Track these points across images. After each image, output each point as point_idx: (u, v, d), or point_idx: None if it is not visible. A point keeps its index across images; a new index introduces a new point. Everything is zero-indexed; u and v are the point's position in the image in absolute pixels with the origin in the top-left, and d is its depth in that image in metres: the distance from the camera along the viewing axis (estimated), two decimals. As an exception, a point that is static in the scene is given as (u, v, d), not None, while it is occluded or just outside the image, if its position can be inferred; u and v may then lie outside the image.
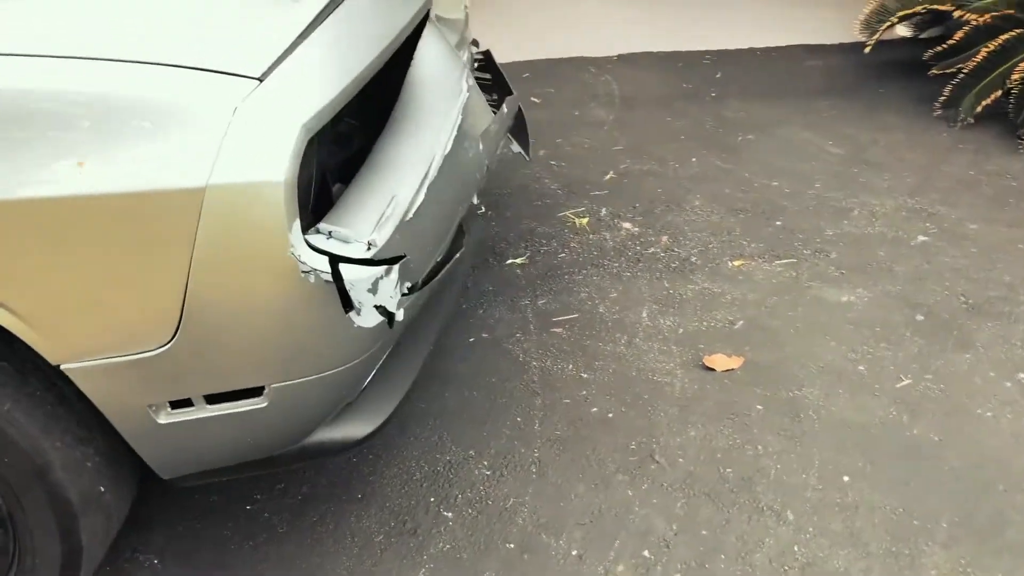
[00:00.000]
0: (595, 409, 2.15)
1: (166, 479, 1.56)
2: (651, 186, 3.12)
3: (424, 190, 1.57)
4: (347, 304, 1.35)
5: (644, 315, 2.47)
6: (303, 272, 1.30)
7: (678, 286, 2.59)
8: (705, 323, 2.44)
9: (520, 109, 2.47)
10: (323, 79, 1.37)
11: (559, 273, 2.65)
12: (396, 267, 1.40)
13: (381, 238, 1.40)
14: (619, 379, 2.24)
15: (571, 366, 2.29)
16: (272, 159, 1.24)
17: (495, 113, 2.14)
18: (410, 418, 2.11)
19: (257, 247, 1.27)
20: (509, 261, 2.72)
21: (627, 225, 2.88)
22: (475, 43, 2.41)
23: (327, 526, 1.85)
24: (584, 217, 2.93)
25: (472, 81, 2.01)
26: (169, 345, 1.33)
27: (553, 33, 4.54)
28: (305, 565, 1.76)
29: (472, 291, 2.57)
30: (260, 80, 1.29)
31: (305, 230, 1.36)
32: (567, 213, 2.95)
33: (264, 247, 1.27)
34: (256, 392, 1.43)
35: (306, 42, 1.41)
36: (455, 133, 1.73)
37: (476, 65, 2.40)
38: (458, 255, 1.75)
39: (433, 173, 1.61)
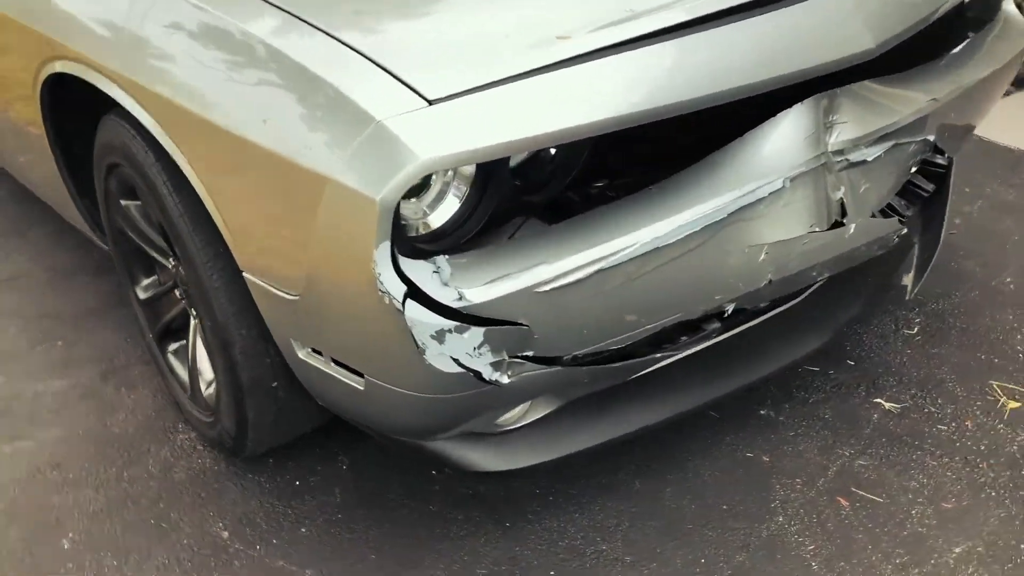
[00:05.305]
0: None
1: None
2: None
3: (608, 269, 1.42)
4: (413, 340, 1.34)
5: (957, 551, 1.87)
6: (380, 291, 1.31)
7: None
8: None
9: (936, 241, 1.98)
10: (504, 123, 1.31)
11: (914, 445, 2.11)
12: (475, 328, 1.32)
13: (476, 295, 1.33)
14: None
15: (812, 545, 1.87)
16: (379, 178, 1.26)
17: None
18: (588, 490, 1.98)
19: (355, 247, 1.32)
20: (878, 400, 2.25)
21: (1061, 442, 2.14)
22: (938, 149, 1.95)
23: None
24: (1017, 401, 2.24)
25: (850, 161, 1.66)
26: (298, 298, 1.48)
27: None
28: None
29: (795, 398, 2.22)
30: (429, 103, 1.30)
31: (428, 255, 1.36)
32: (995, 384, 2.29)
33: (360, 250, 1.31)
34: (358, 373, 1.52)
35: (524, 82, 1.35)
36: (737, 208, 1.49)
37: (919, 168, 1.95)
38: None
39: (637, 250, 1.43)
